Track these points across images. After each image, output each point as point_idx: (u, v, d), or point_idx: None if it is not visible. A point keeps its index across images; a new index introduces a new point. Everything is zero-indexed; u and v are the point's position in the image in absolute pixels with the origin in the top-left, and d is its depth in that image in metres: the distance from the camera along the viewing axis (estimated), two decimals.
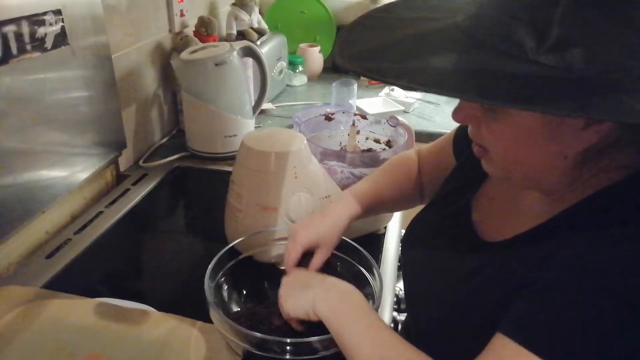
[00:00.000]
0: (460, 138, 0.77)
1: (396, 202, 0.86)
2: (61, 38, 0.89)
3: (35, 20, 0.82)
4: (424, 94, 1.71)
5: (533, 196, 0.58)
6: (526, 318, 0.46)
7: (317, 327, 0.61)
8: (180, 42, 1.31)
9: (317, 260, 0.71)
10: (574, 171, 0.51)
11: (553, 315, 0.45)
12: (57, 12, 0.87)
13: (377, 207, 0.81)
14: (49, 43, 0.86)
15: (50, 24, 0.85)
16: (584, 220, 0.49)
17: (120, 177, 1.17)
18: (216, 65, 1.16)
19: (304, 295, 0.62)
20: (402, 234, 0.78)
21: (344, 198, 0.78)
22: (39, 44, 0.83)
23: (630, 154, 0.50)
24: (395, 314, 0.91)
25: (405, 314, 0.89)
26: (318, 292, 0.61)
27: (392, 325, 0.84)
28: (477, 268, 0.57)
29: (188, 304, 0.77)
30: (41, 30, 0.83)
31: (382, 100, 1.62)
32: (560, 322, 0.44)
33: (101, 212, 1.03)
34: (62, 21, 0.88)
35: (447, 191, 0.73)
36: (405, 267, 0.74)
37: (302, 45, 1.87)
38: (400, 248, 0.75)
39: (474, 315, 0.55)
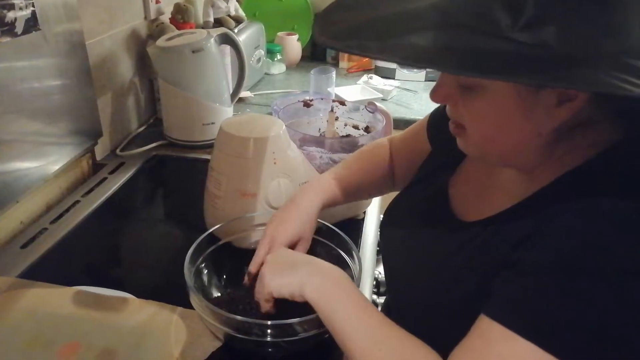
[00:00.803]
0: (434, 123, 0.77)
1: (367, 190, 0.86)
2: (32, 23, 0.86)
3: (5, 4, 0.80)
4: (401, 81, 1.72)
5: (509, 175, 0.59)
6: (512, 300, 0.47)
7: (290, 307, 0.61)
8: (156, 29, 1.30)
9: (301, 249, 0.72)
10: (548, 149, 0.52)
11: (539, 298, 0.45)
12: None
13: (347, 194, 0.81)
14: (19, 28, 0.84)
15: (20, 9, 0.83)
16: (561, 198, 0.49)
17: (96, 166, 1.16)
18: (193, 52, 1.15)
19: (291, 275, 0.61)
20: (381, 219, 0.79)
21: (315, 184, 0.78)
22: (8, 28, 0.81)
23: (601, 131, 0.51)
24: (374, 297, 0.92)
25: (385, 297, 0.90)
26: (307, 274, 0.61)
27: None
28: (456, 248, 0.58)
29: (168, 291, 0.77)
30: (10, 15, 0.81)
31: (361, 88, 1.62)
32: (546, 304, 0.45)
33: (77, 202, 1.01)
34: (33, 6, 0.86)
35: (424, 174, 0.73)
36: (384, 250, 0.74)
37: (280, 33, 1.86)
38: (378, 232, 0.76)
39: (455, 296, 0.56)
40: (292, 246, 0.72)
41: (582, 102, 0.47)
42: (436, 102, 0.56)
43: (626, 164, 0.49)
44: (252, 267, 0.70)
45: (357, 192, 0.84)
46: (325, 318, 0.58)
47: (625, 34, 0.43)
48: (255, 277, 0.68)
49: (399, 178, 0.84)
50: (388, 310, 0.76)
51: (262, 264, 0.68)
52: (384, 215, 0.77)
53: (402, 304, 0.68)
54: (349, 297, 0.58)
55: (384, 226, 0.76)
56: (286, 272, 0.62)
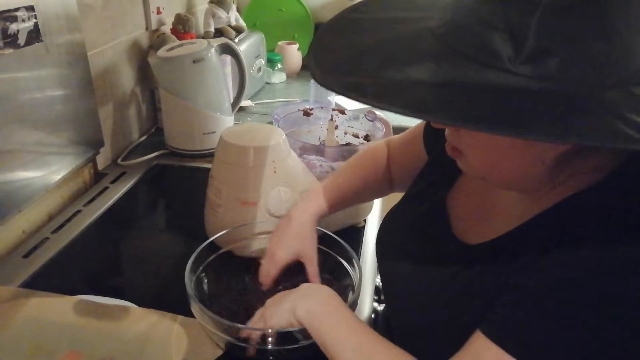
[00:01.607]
0: (430, 134, 0.76)
1: (364, 193, 0.85)
2: (34, 35, 0.87)
3: (7, 16, 0.81)
4: None
5: (509, 195, 0.58)
6: (510, 323, 0.47)
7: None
8: (157, 40, 1.31)
9: (311, 268, 0.73)
10: (551, 174, 0.50)
11: (538, 323, 0.45)
12: (30, 9, 0.86)
13: (345, 200, 0.81)
14: (21, 40, 0.85)
15: (23, 20, 0.84)
16: (564, 224, 0.48)
17: (98, 176, 1.16)
18: (194, 62, 1.16)
19: (284, 305, 0.62)
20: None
21: (310, 196, 0.78)
22: (11, 40, 0.82)
23: (604, 155, 0.50)
24: (375, 304, 0.92)
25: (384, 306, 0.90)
26: (296, 299, 0.62)
27: (372, 315, 0.85)
28: (457, 271, 0.57)
29: (169, 300, 0.77)
30: (13, 27, 0.82)
31: None
32: (543, 329, 0.44)
33: (79, 211, 1.02)
34: (35, 17, 0.87)
35: (421, 188, 0.72)
36: (381, 267, 0.73)
37: (280, 43, 1.87)
38: (376, 243, 0.75)
39: (454, 319, 0.55)
40: (297, 263, 0.73)
41: None
42: (437, 127, 0.55)
43: (629, 188, 0.48)
44: (263, 280, 0.72)
45: (353, 198, 0.83)
46: (316, 337, 0.58)
47: (631, 61, 0.40)
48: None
49: (398, 180, 0.83)
50: (387, 321, 0.75)
51: (269, 276, 0.70)
52: (380, 229, 0.76)
53: (400, 320, 0.67)
54: (338, 317, 0.59)
55: (381, 242, 0.74)
56: (281, 304, 0.63)
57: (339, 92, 0.44)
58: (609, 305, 0.42)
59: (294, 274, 0.74)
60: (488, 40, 0.41)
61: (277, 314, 0.62)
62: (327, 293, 0.63)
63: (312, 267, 0.73)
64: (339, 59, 0.47)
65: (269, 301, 0.66)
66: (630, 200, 0.47)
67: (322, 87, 0.45)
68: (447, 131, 0.55)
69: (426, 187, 0.71)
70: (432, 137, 0.75)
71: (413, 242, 0.67)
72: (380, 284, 1.04)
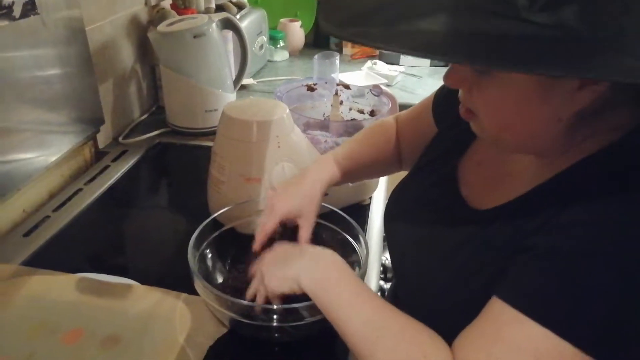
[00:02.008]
0: (440, 104, 0.74)
1: (375, 167, 0.84)
2: (30, 7, 0.85)
3: None
4: (406, 67, 1.70)
5: (523, 160, 0.57)
6: (526, 285, 0.46)
7: (298, 299, 0.60)
8: (156, 15, 1.28)
9: (304, 232, 0.69)
10: (567, 134, 0.49)
11: (554, 283, 0.44)
12: None
13: (356, 171, 0.79)
14: (17, 11, 0.82)
15: None
16: (581, 184, 0.47)
17: (99, 154, 1.14)
18: (195, 37, 1.13)
19: (287, 270, 0.60)
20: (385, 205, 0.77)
21: (323, 161, 0.76)
22: (6, 12, 0.80)
23: (624, 114, 0.48)
24: (382, 282, 0.91)
25: (391, 283, 0.89)
26: (302, 266, 0.60)
27: (379, 294, 0.84)
28: (469, 237, 0.56)
29: (172, 278, 0.76)
30: None
31: (365, 74, 1.60)
32: (561, 289, 0.43)
33: (80, 190, 1.00)
34: None
35: (430, 159, 0.71)
36: (390, 239, 0.72)
37: (282, 20, 1.83)
38: (384, 212, 0.73)
39: (467, 286, 0.54)
40: (293, 222, 0.70)
41: (605, 85, 0.45)
42: (450, 85, 0.53)
43: None
44: (258, 236, 0.68)
45: (363, 170, 0.82)
46: (322, 308, 0.56)
47: None
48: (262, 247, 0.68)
49: (407, 157, 0.82)
50: (395, 296, 0.74)
51: (267, 236, 0.67)
52: (389, 201, 0.74)
53: (410, 291, 0.66)
54: (344, 283, 0.57)
55: (389, 214, 0.73)
56: (282, 268, 0.61)
57: (347, 39, 0.45)
58: (627, 262, 0.42)
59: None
60: None
61: (278, 278, 0.60)
62: (333, 259, 0.60)
63: (306, 231, 0.69)
64: (349, 15, 0.47)
65: (267, 257, 0.64)
66: None
67: (331, 35, 0.45)
68: (460, 92, 0.54)
69: (436, 157, 0.69)
70: (442, 107, 0.73)
71: (423, 210, 0.66)
72: (387, 261, 1.02)
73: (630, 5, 0.38)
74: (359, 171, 0.81)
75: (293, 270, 0.60)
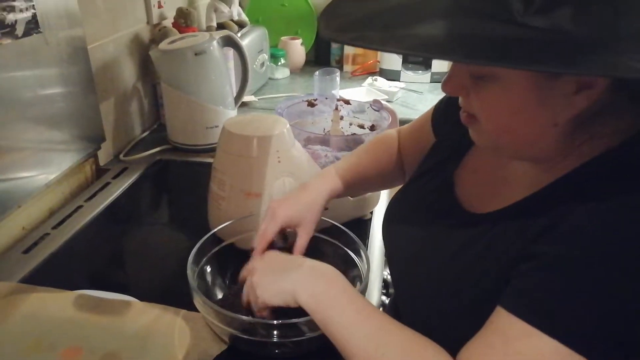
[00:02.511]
0: (439, 115, 0.75)
1: (378, 180, 0.84)
2: (33, 25, 0.86)
3: (5, 6, 0.79)
4: (406, 83, 1.71)
5: (520, 167, 0.57)
6: (533, 296, 0.45)
7: (291, 311, 0.58)
8: (158, 34, 1.29)
9: (302, 240, 0.68)
10: (565, 139, 0.49)
11: (561, 294, 0.43)
12: None
13: (359, 184, 0.79)
14: (19, 30, 0.83)
15: (21, 10, 0.83)
16: (583, 189, 0.47)
17: (100, 172, 1.14)
18: (196, 54, 1.14)
19: (283, 282, 0.58)
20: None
21: (325, 173, 0.76)
22: (9, 30, 0.81)
23: (623, 119, 0.49)
24: (383, 297, 0.90)
25: (391, 297, 0.88)
26: (298, 278, 0.58)
27: (380, 309, 0.83)
28: (467, 243, 0.55)
29: (172, 295, 0.75)
30: (11, 17, 0.81)
31: (366, 90, 1.61)
32: (569, 300, 0.43)
33: (80, 207, 1.00)
34: (33, 8, 0.85)
35: (427, 167, 0.71)
36: (389, 247, 0.71)
37: (283, 38, 1.85)
38: (383, 221, 0.73)
39: (468, 293, 0.53)
40: (293, 231, 0.70)
41: (601, 88, 0.45)
42: (448, 93, 0.53)
43: None
44: (258, 244, 0.68)
45: (366, 183, 0.82)
46: (322, 324, 0.55)
47: None
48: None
49: (409, 169, 0.81)
50: (395, 309, 0.73)
51: (268, 242, 0.67)
52: (387, 210, 0.74)
53: (410, 302, 0.65)
54: (346, 300, 0.55)
55: (387, 222, 0.73)
56: (277, 279, 0.59)
57: (346, 42, 0.46)
58: (634, 268, 0.41)
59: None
60: None
61: (272, 291, 0.58)
62: (332, 274, 0.59)
63: (303, 241, 0.69)
64: (347, 22, 0.48)
65: (260, 265, 0.62)
66: None
67: (330, 40, 0.46)
68: (460, 99, 0.54)
69: (434, 165, 0.70)
70: (440, 118, 0.74)
71: (421, 218, 0.65)
72: (389, 276, 1.01)
73: (621, 7, 0.39)
74: (361, 184, 0.80)
75: (288, 282, 0.58)
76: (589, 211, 0.44)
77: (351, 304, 0.55)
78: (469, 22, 0.42)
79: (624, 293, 0.41)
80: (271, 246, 0.69)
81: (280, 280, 0.59)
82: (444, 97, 0.74)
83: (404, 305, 0.66)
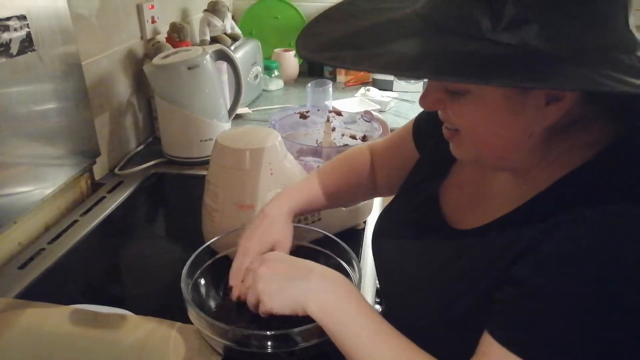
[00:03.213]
0: (420, 130, 0.76)
1: (343, 195, 0.83)
2: (27, 44, 0.87)
3: None
4: (399, 93, 1.73)
5: (504, 180, 0.58)
6: (516, 322, 0.45)
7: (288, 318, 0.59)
8: (152, 49, 1.30)
9: None
10: (542, 149, 0.51)
11: (544, 324, 0.44)
12: (22, 18, 0.85)
13: (316, 202, 0.78)
14: (14, 49, 0.84)
15: (15, 30, 0.84)
16: (561, 204, 0.47)
17: (95, 186, 1.15)
18: (189, 69, 1.15)
19: (292, 291, 0.57)
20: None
21: (281, 196, 0.75)
22: (4, 49, 0.82)
23: (596, 130, 0.50)
24: (377, 307, 0.90)
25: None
26: (308, 289, 0.57)
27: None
28: (452, 258, 0.56)
29: (169, 307, 0.75)
30: (5, 36, 0.82)
31: (359, 101, 1.62)
32: (551, 330, 0.43)
33: (76, 221, 1.01)
34: (28, 27, 0.87)
35: (413, 183, 0.72)
36: (377, 262, 0.72)
37: (277, 50, 1.87)
38: (372, 237, 0.73)
39: (453, 309, 0.53)
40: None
41: (571, 101, 0.46)
42: (425, 108, 0.54)
43: (624, 164, 0.48)
44: (233, 281, 0.68)
45: (334, 198, 0.80)
46: (335, 338, 0.54)
47: (609, 28, 0.42)
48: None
49: (382, 183, 0.82)
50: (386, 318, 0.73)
51: (241, 277, 0.66)
52: (376, 225, 0.75)
53: (397, 315, 0.64)
54: (363, 318, 0.55)
55: (376, 237, 0.73)
56: (285, 288, 0.58)
57: (320, 62, 0.48)
58: (619, 297, 0.41)
59: None
60: (468, 12, 0.43)
61: (281, 300, 0.57)
62: (345, 286, 0.57)
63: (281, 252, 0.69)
64: (324, 41, 0.49)
65: (263, 272, 0.60)
66: (628, 175, 0.46)
67: (305, 59, 0.48)
68: (439, 113, 0.55)
69: (419, 182, 0.70)
70: (423, 133, 0.75)
71: (407, 234, 0.66)
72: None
73: (585, 23, 0.41)
74: (323, 202, 0.79)
75: (298, 292, 0.57)
76: (570, 234, 0.44)
77: (369, 325, 0.54)
78: (440, 40, 0.43)
79: (606, 325, 0.41)
80: None
81: (289, 289, 0.58)
82: (422, 112, 0.75)
83: (393, 318, 0.67)
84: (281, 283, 0.59)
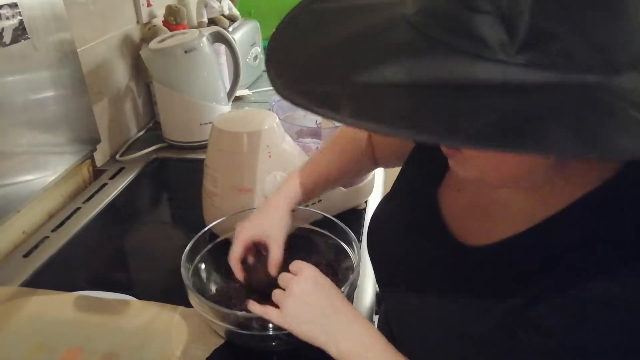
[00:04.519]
0: None
1: (343, 177, 0.79)
2: (20, 32, 0.86)
3: None
4: None
5: (513, 190, 0.51)
6: None
7: None
8: (148, 33, 1.29)
9: (274, 254, 0.66)
10: (556, 167, 0.44)
11: None
12: (14, 6, 0.84)
13: (320, 186, 0.74)
14: (7, 37, 0.83)
15: (7, 18, 0.83)
16: (585, 232, 0.43)
17: (97, 173, 1.15)
18: (186, 52, 1.14)
19: (321, 327, 0.54)
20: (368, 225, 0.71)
21: (285, 184, 0.72)
22: None
23: None
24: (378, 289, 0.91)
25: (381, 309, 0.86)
26: (337, 331, 0.54)
27: (375, 305, 0.83)
28: (461, 278, 0.52)
29: (172, 292, 0.76)
30: None
31: None
32: None
33: (79, 208, 1.01)
34: (20, 15, 0.86)
35: (412, 176, 0.66)
36: (373, 259, 0.67)
37: None
38: (367, 240, 0.69)
39: (468, 328, 0.49)
40: (261, 245, 0.68)
41: None
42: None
43: None
44: (234, 268, 0.67)
45: (336, 179, 0.77)
46: None
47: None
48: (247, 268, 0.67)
49: (382, 158, 0.78)
50: (387, 321, 0.70)
51: (238, 263, 0.66)
52: (369, 228, 0.69)
53: (396, 320, 0.63)
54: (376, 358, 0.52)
55: (372, 237, 0.68)
56: (311, 320, 0.55)
57: (307, 109, 0.35)
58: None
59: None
60: (473, 25, 0.33)
61: (302, 329, 0.55)
62: (373, 334, 0.54)
63: (275, 252, 0.66)
64: (302, 63, 0.40)
65: (296, 289, 0.56)
66: None
67: (286, 101, 0.37)
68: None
69: (413, 177, 0.65)
70: None
71: (404, 239, 0.62)
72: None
73: (623, 37, 0.33)
74: (327, 184, 0.76)
75: (322, 331, 0.54)
76: (594, 277, 0.40)
77: None
78: (439, 62, 0.34)
79: None
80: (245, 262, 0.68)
81: (315, 322, 0.55)
82: None
83: (394, 323, 0.64)
84: (309, 315, 0.56)
